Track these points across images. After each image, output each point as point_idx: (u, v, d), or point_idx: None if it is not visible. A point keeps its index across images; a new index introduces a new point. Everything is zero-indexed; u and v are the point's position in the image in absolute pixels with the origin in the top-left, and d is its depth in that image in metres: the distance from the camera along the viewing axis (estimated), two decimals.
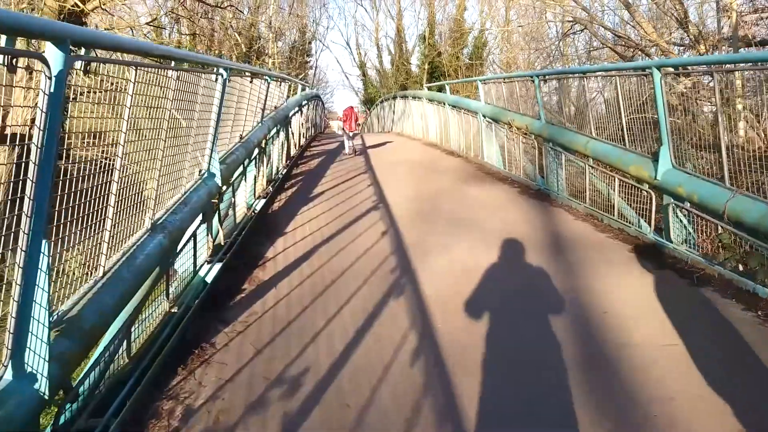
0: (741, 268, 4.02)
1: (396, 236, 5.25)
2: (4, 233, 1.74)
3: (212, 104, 4.35)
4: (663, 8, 12.87)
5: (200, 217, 4.05)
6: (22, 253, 1.79)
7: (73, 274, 2.25)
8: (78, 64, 2.08)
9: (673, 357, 2.98)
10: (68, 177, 2.09)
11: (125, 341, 2.79)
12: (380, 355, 3.05)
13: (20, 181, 1.79)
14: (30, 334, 1.86)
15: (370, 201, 6.61)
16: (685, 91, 5.66)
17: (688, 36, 12.02)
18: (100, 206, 2.41)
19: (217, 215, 4.57)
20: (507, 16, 26.09)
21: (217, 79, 4.40)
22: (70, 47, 1.95)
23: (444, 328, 3.37)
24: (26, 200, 1.79)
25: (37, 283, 1.87)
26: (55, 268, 2.04)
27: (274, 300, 3.85)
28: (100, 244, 2.45)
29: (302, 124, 12.60)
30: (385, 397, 2.65)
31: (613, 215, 5.57)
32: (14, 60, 1.65)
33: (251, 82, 6.44)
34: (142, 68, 2.75)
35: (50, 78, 1.83)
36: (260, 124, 7.18)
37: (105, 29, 10.87)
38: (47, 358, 1.87)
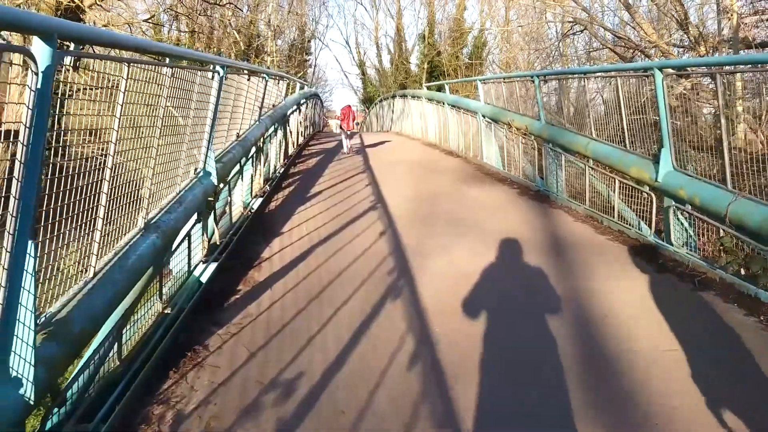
0: (743, 272, 3.98)
1: (394, 237, 5.20)
2: None
3: (208, 102, 4.29)
4: (663, 9, 12.83)
5: (195, 216, 3.99)
6: (7, 254, 1.74)
7: (62, 275, 2.19)
8: (67, 60, 2.02)
9: (672, 362, 2.93)
10: (57, 176, 2.03)
11: (116, 343, 2.73)
12: (377, 357, 3.00)
13: (5, 180, 1.73)
14: (15, 337, 1.80)
15: (368, 201, 6.56)
16: (685, 92, 5.61)
17: (688, 37, 11.97)
18: (91, 205, 2.35)
19: (212, 214, 4.52)
20: (507, 16, 26.07)
21: (213, 77, 4.35)
22: (60, 42, 1.89)
23: (442, 330, 3.32)
24: (11, 199, 1.73)
25: (22, 285, 1.81)
26: (43, 270, 1.98)
27: (269, 302, 3.79)
28: (90, 244, 2.40)
29: (300, 122, 12.53)
30: (382, 401, 2.61)
31: (613, 217, 5.53)
32: None
33: (249, 80, 6.38)
34: (135, 65, 2.69)
35: (37, 74, 1.77)
36: (258, 123, 7.11)
37: (102, 26, 10.80)
38: (33, 362, 1.81)
